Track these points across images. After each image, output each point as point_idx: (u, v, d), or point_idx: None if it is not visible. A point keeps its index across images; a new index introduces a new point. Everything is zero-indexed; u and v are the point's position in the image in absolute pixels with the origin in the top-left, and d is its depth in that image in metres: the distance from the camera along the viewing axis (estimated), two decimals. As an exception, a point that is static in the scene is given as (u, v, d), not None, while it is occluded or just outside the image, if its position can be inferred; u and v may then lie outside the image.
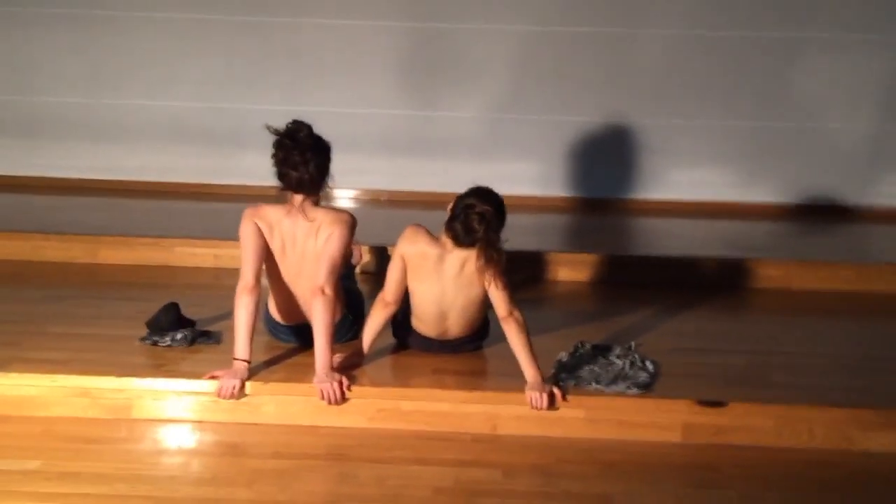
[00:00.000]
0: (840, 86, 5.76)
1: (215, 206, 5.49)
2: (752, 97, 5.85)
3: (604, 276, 4.48)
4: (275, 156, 3.16)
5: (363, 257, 4.26)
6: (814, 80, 5.78)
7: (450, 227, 3.08)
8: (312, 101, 5.78)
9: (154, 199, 5.60)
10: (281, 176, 3.17)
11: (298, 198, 3.17)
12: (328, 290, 3.07)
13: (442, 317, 3.21)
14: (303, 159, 3.12)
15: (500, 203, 3.11)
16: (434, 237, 3.16)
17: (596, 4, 5.80)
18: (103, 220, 5.07)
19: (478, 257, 3.04)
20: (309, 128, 3.17)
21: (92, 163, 5.90)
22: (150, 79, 5.90)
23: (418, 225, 3.20)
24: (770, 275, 4.41)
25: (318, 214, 3.19)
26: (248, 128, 5.84)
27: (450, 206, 3.14)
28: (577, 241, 5.34)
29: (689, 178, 5.91)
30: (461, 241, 3.07)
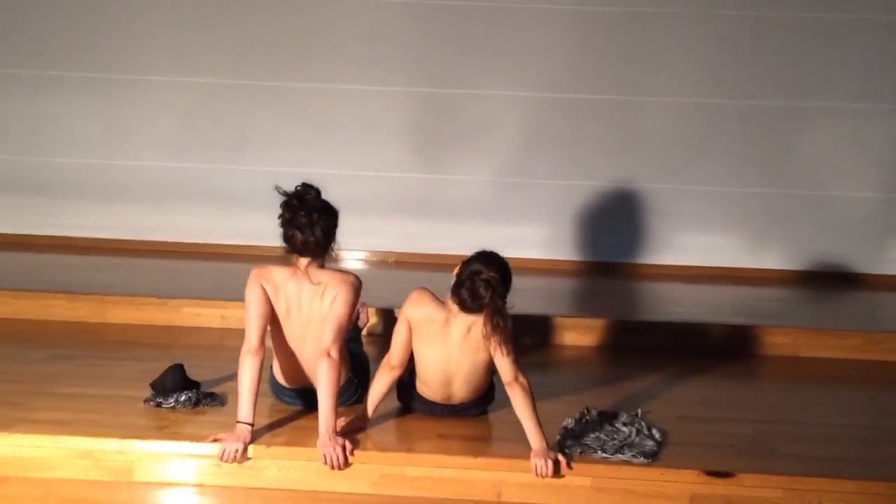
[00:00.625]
0: (847, 153, 5.82)
1: (224, 265, 5.53)
2: (759, 164, 5.89)
3: (611, 340, 4.46)
4: (282, 216, 3.19)
5: (369, 319, 4.26)
6: (821, 148, 5.84)
7: (456, 294, 3.09)
8: (323, 163, 5.86)
9: (165, 259, 5.65)
10: (287, 237, 3.19)
11: (304, 260, 3.19)
12: (334, 353, 3.07)
13: (447, 381, 3.20)
14: (309, 221, 3.14)
15: (506, 268, 3.12)
16: (440, 301, 3.16)
17: (603, 72, 5.90)
18: (112, 279, 5.10)
19: (484, 324, 3.04)
20: (317, 190, 3.20)
21: (105, 222, 5.97)
22: (163, 140, 6.00)
23: (424, 288, 3.21)
24: (778, 342, 4.39)
25: (324, 277, 3.20)
26: (260, 189, 5.91)
27: (455, 270, 3.15)
28: (585, 305, 5.33)
29: (698, 243, 5.93)
30: (467, 307, 3.08)
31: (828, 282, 5.74)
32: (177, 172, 6.00)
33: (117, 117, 5.98)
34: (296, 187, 3.19)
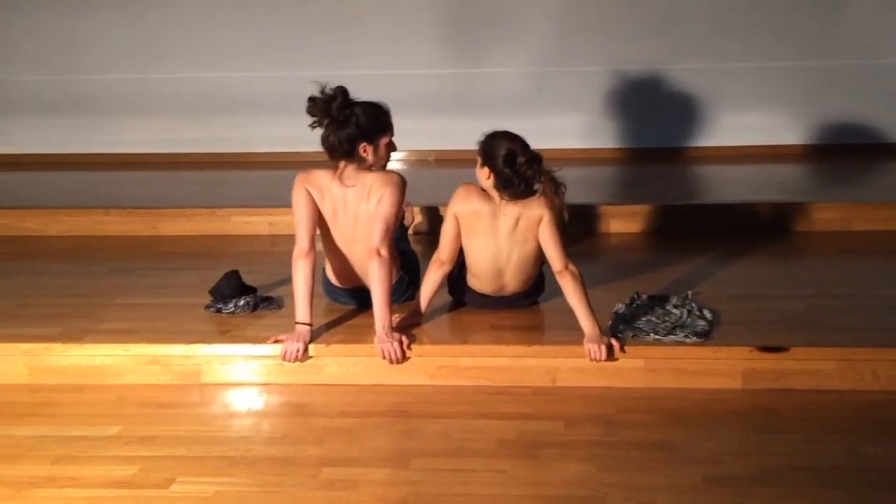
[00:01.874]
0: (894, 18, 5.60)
1: (267, 173, 5.58)
2: (802, 36, 5.71)
3: (656, 226, 4.46)
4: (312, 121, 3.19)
5: (414, 218, 4.29)
6: (867, 14, 5.61)
7: (506, 186, 3.07)
8: (356, 65, 5.81)
9: (208, 170, 5.71)
10: (321, 140, 3.20)
11: (341, 162, 3.21)
12: (384, 252, 3.11)
13: (498, 273, 3.24)
14: (331, 125, 3.16)
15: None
16: (486, 194, 3.17)
17: (638, -49, 5.70)
18: (160, 192, 5.19)
19: (544, 193, 3.04)
20: (342, 94, 3.16)
21: (145, 137, 6.03)
22: (196, 51, 5.98)
23: (470, 183, 3.21)
24: (827, 217, 4.35)
25: (368, 178, 3.22)
26: (294, 94, 5.90)
27: (480, 165, 3.11)
28: (628, 192, 5.30)
29: (739, 122, 5.82)
30: (522, 192, 3.06)
31: (876, 154, 5.62)
32: (213, 83, 6.00)
33: (150, 31, 5.96)
34: (322, 90, 3.17)
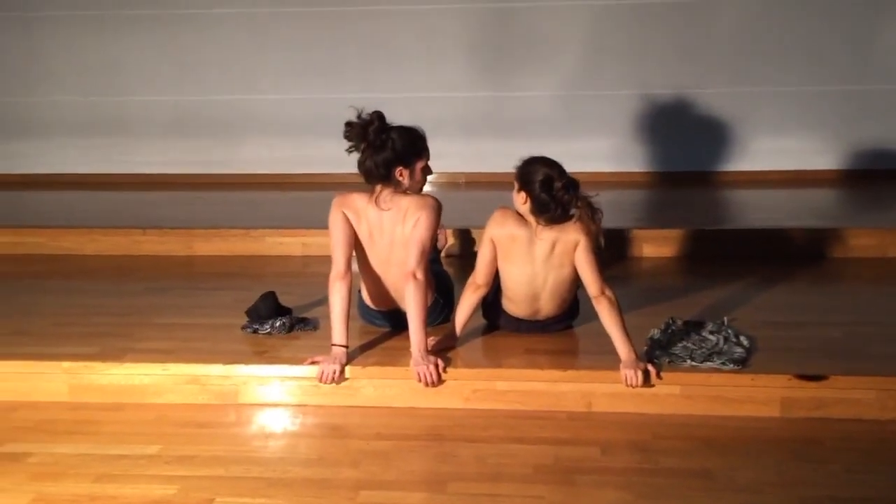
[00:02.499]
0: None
1: (301, 195, 5.63)
2: (834, 60, 5.70)
3: (689, 250, 4.45)
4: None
5: (447, 241, 4.31)
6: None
7: (542, 212, 3.09)
8: (388, 87, 5.87)
9: (241, 191, 5.77)
10: (357, 164, 3.24)
11: (378, 186, 3.24)
12: (420, 275, 3.13)
13: (534, 297, 3.24)
14: (367, 150, 3.18)
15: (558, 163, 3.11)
16: (522, 219, 3.18)
17: (668, -24, 5.73)
18: (194, 213, 5.26)
19: (580, 218, 3.06)
20: (378, 119, 3.20)
21: (180, 157, 6.12)
22: (231, 74, 6.08)
23: (506, 207, 3.23)
24: (863, 244, 4.33)
25: (404, 201, 3.25)
26: (327, 117, 5.97)
27: (517, 191, 3.13)
28: (659, 216, 5.30)
29: (770, 146, 5.82)
30: (559, 218, 3.08)
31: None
32: (246, 105, 6.09)
33: (184, 53, 6.07)
34: (359, 115, 3.20)
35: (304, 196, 5.50)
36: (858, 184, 5.60)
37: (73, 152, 6.24)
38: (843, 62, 5.69)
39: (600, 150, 5.89)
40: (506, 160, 5.81)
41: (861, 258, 4.29)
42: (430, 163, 3.33)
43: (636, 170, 5.99)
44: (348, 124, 3.20)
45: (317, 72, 6.00)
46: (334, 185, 5.65)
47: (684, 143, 5.96)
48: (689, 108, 5.92)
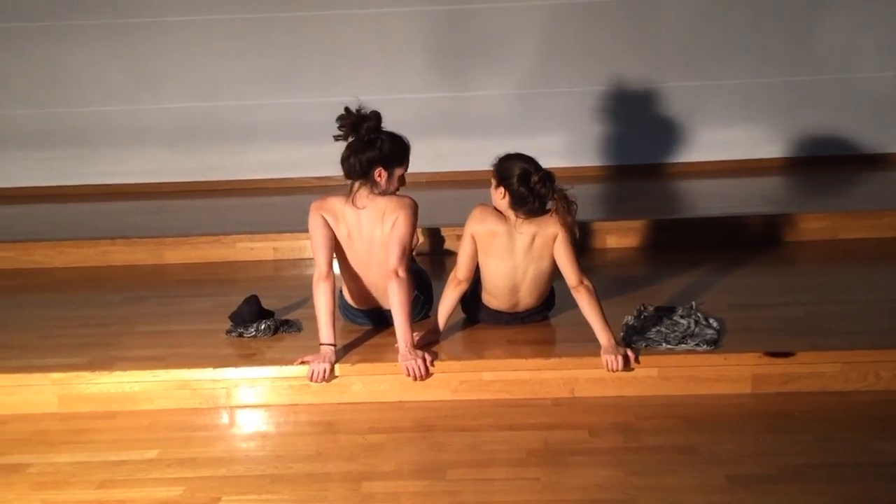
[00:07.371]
0: (869, 34, 5.83)
1: (267, 199, 5.65)
2: (777, 53, 5.93)
3: (651, 240, 4.61)
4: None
5: (419, 240, 4.40)
6: (842, 31, 5.85)
7: (520, 205, 3.20)
8: (347, 91, 5.83)
9: (207, 198, 5.77)
10: (341, 158, 3.31)
11: (355, 184, 3.32)
12: (401, 273, 3.22)
13: (514, 290, 3.36)
14: (356, 145, 3.27)
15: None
16: (501, 215, 3.29)
17: (615, -27, 5.89)
18: (159, 222, 5.24)
19: (557, 211, 3.16)
20: (376, 118, 3.28)
21: (141, 167, 6.07)
22: (188, 81, 6.05)
23: (485, 204, 3.33)
24: (815, 227, 4.53)
25: (381, 202, 3.33)
26: (285, 122, 6.02)
27: (495, 186, 3.24)
28: (617, 208, 5.45)
29: (721, 138, 6.01)
30: (537, 211, 3.20)
31: (856, 164, 5.84)
32: (204, 112, 6.07)
33: (140, 61, 6.02)
34: (359, 109, 3.26)
35: (271, 201, 5.52)
36: (804, 170, 5.84)
37: (29, 165, 6.15)
38: (784, 55, 5.92)
39: (555, 146, 6.01)
40: (465, 159, 6.02)
41: (813, 241, 4.50)
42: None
43: (590, 164, 6.15)
44: (346, 110, 3.26)
45: (274, 77, 6.02)
46: (298, 188, 5.72)
47: (637, 137, 6.13)
48: (640, 103, 6.09)
